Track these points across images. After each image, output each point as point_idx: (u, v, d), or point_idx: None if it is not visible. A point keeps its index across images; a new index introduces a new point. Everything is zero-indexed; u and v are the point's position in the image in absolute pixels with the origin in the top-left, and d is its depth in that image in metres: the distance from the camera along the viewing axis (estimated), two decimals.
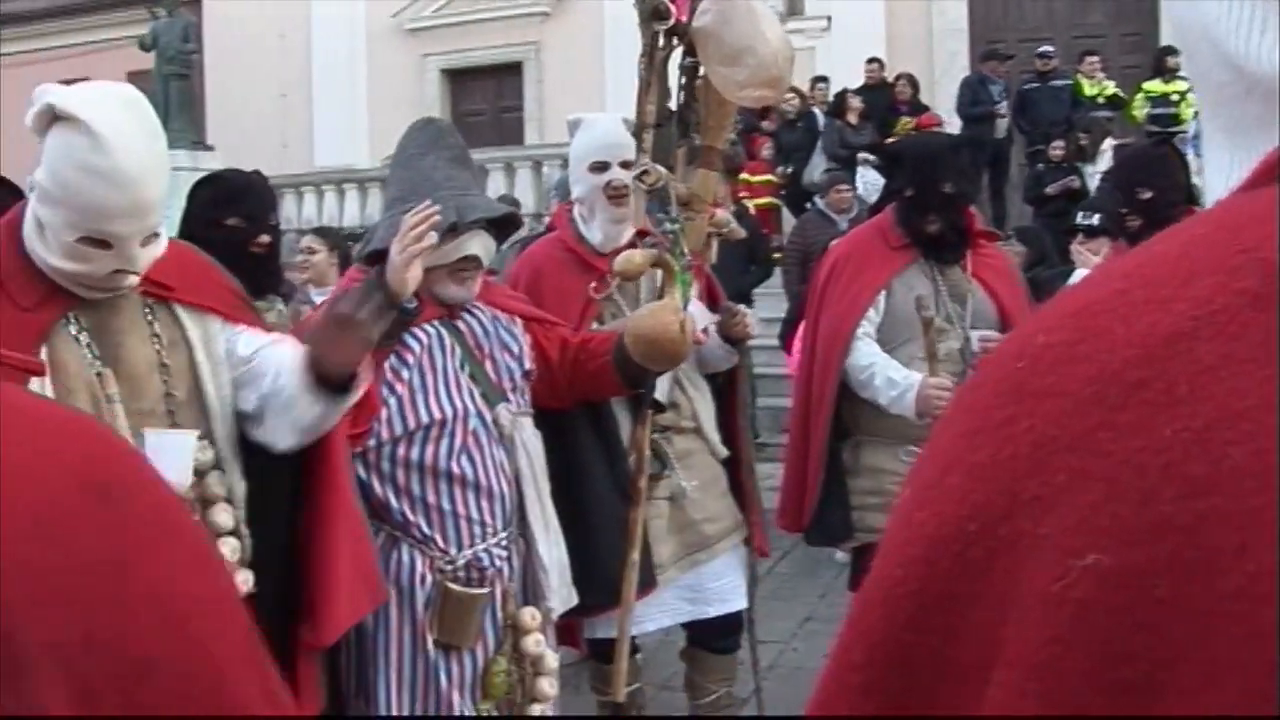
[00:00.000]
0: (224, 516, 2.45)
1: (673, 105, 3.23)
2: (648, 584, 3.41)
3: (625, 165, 3.48)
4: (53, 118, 2.12)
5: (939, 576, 0.49)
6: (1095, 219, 4.96)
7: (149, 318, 2.42)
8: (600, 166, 3.63)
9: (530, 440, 3.08)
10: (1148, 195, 4.63)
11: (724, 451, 3.92)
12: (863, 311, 3.98)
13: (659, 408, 3.55)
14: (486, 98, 19.57)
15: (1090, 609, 0.42)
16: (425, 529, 2.93)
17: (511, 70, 19.16)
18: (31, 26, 21.97)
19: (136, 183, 2.13)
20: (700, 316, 3.59)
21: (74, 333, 2.31)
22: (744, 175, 12.95)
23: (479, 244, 3.02)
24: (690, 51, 3.16)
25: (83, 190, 2.12)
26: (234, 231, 3.65)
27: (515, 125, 18.92)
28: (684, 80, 3.21)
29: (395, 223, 2.76)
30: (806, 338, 4.32)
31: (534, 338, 3.21)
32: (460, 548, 2.95)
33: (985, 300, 4.06)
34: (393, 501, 2.94)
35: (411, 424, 2.92)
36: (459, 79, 19.69)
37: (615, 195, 3.57)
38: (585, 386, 3.26)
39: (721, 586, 3.89)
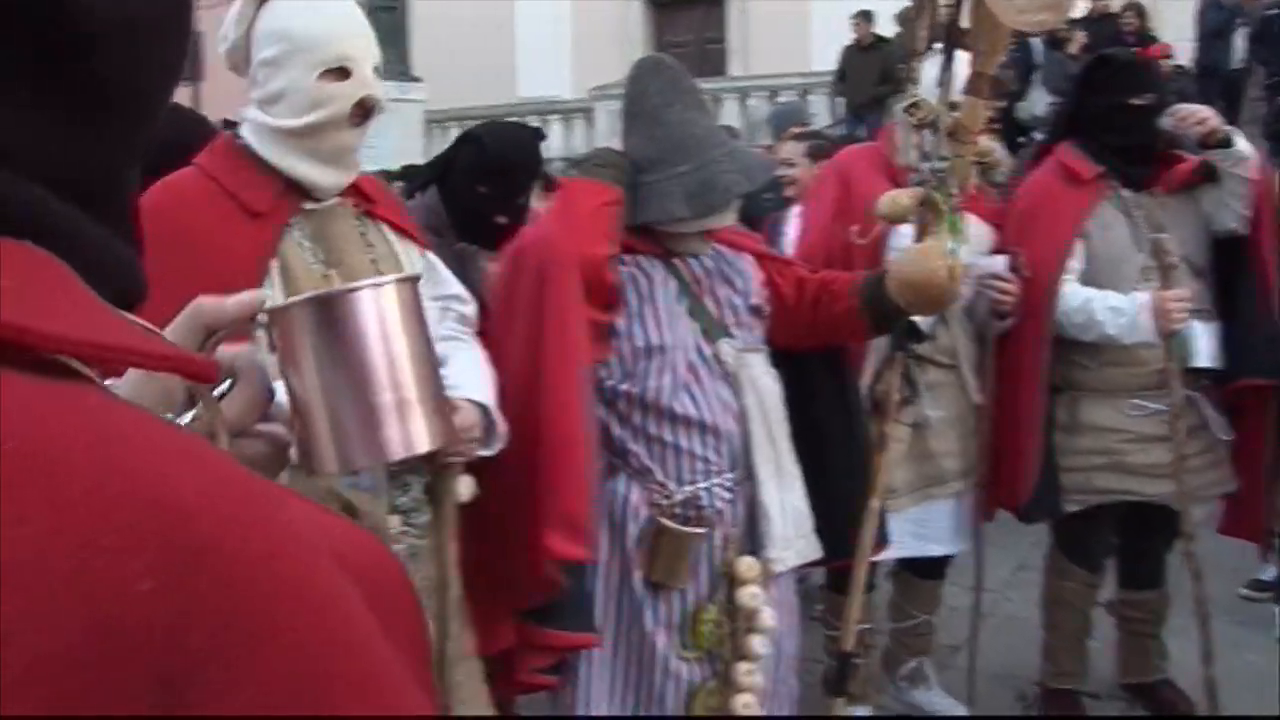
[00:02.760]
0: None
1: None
2: (882, 541, 3.24)
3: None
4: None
5: None
6: None
7: (361, 230, 2.46)
8: None
9: (760, 378, 2.90)
10: None
11: (978, 395, 3.83)
12: (1061, 265, 3.81)
13: (918, 336, 3.40)
14: (691, 28, 19.37)
15: None
16: (644, 459, 2.81)
17: (715, 1, 18.90)
18: None
19: (354, 9, 2.40)
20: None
21: (299, 238, 2.37)
22: None
23: (733, 213, 2.89)
24: None
25: (313, 24, 2.30)
26: (481, 199, 3.65)
27: (718, 56, 18.70)
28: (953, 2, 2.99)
29: (664, 192, 2.74)
30: None
31: (767, 275, 3.03)
32: (680, 483, 2.81)
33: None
34: (614, 428, 2.83)
35: (628, 354, 2.80)
36: (663, 10, 19.55)
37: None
38: (827, 329, 3.06)
39: (949, 526, 3.91)
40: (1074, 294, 3.80)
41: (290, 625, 0.40)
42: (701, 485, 2.82)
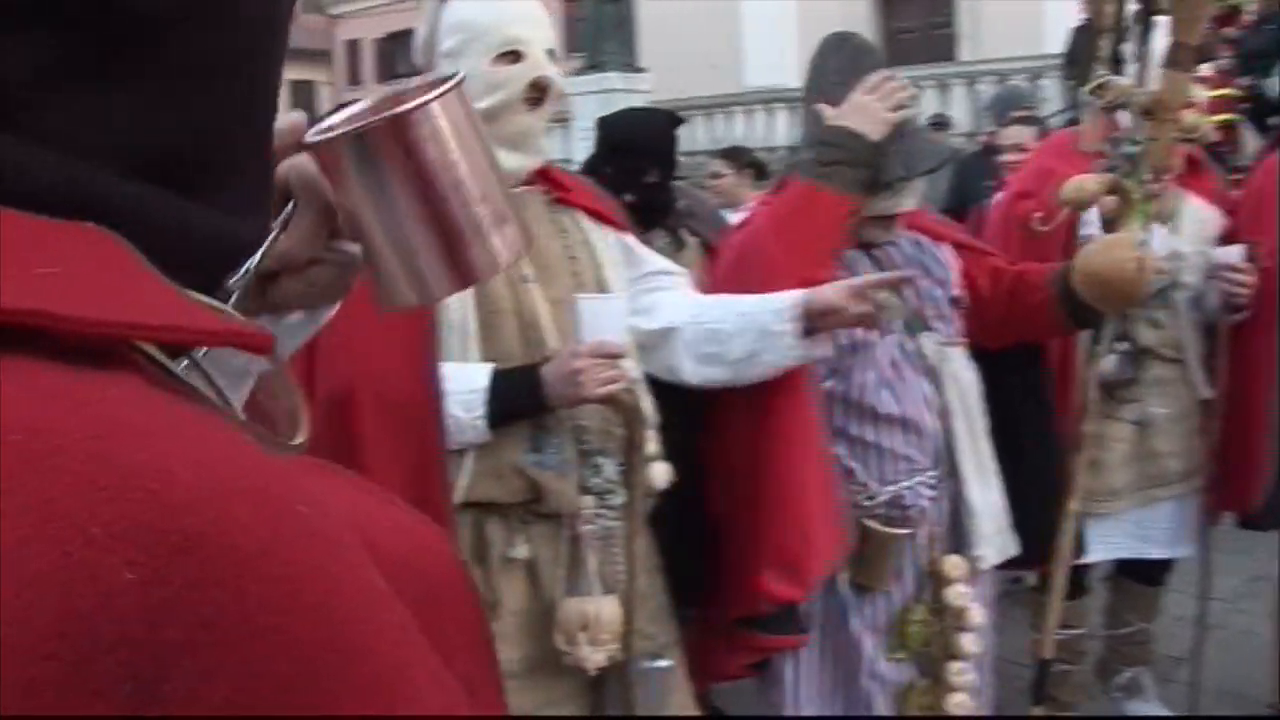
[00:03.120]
0: (651, 444, 2.43)
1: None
2: (1079, 548, 3.12)
3: None
4: None
5: None
6: None
7: (552, 215, 2.47)
8: None
9: (961, 372, 2.82)
10: None
11: (1207, 390, 3.62)
12: None
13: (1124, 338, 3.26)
14: (918, 14, 19.02)
15: None
16: (846, 460, 2.75)
17: None
18: None
19: None
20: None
21: None
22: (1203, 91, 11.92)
23: (914, 196, 2.81)
24: None
25: (489, 11, 2.36)
26: (608, 179, 3.62)
27: (947, 42, 18.30)
28: None
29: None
30: None
31: (964, 266, 2.93)
32: (882, 483, 2.75)
33: None
34: None
35: (832, 352, 2.73)
36: None
37: None
38: (1021, 323, 2.94)
39: (1172, 529, 3.73)
40: None
41: (279, 624, 0.38)
42: (905, 484, 2.75)
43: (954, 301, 2.87)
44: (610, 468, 2.37)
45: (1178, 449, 3.66)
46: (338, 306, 0.86)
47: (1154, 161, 2.79)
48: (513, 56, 2.34)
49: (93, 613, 0.36)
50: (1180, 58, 2.76)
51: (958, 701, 2.81)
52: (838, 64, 2.82)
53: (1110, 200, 2.84)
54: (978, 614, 2.82)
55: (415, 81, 0.91)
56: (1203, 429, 3.66)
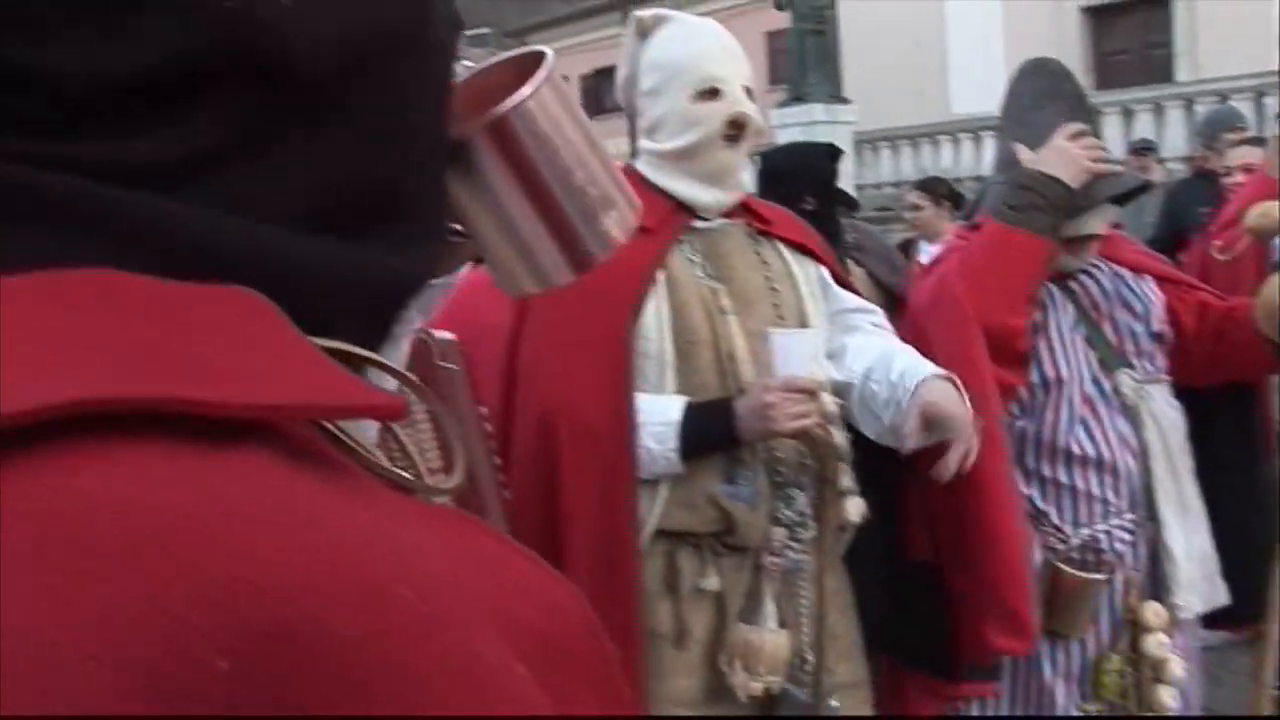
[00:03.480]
0: (845, 478, 2.42)
1: None
2: None
3: None
4: (651, 27, 2.47)
5: None
6: None
7: (755, 247, 2.49)
8: None
9: (1162, 411, 2.71)
10: None
11: None
12: None
13: None
14: (1132, 34, 18.45)
15: None
16: (1039, 502, 2.69)
17: (1158, 3, 17.91)
18: None
19: (722, 35, 2.49)
20: None
21: (688, 254, 2.42)
22: None
23: (1101, 219, 2.73)
24: None
25: (687, 50, 2.41)
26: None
27: (1164, 62, 17.70)
28: None
29: (1003, 192, 2.64)
30: None
31: (1168, 300, 2.83)
32: (1077, 526, 2.67)
33: None
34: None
35: (1024, 391, 2.68)
36: (1101, 16, 18.74)
37: None
38: (1229, 362, 2.80)
39: None
40: None
41: (368, 712, 0.38)
42: (1100, 528, 2.66)
43: (1156, 337, 2.77)
44: (802, 500, 2.37)
45: None
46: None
47: None
48: (711, 94, 2.38)
49: (186, 695, 0.37)
50: None
51: None
52: (1034, 90, 2.78)
53: None
54: (1178, 666, 2.69)
55: (497, 58, 0.88)
56: None
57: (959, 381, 2.36)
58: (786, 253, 2.54)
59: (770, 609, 2.33)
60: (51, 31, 0.47)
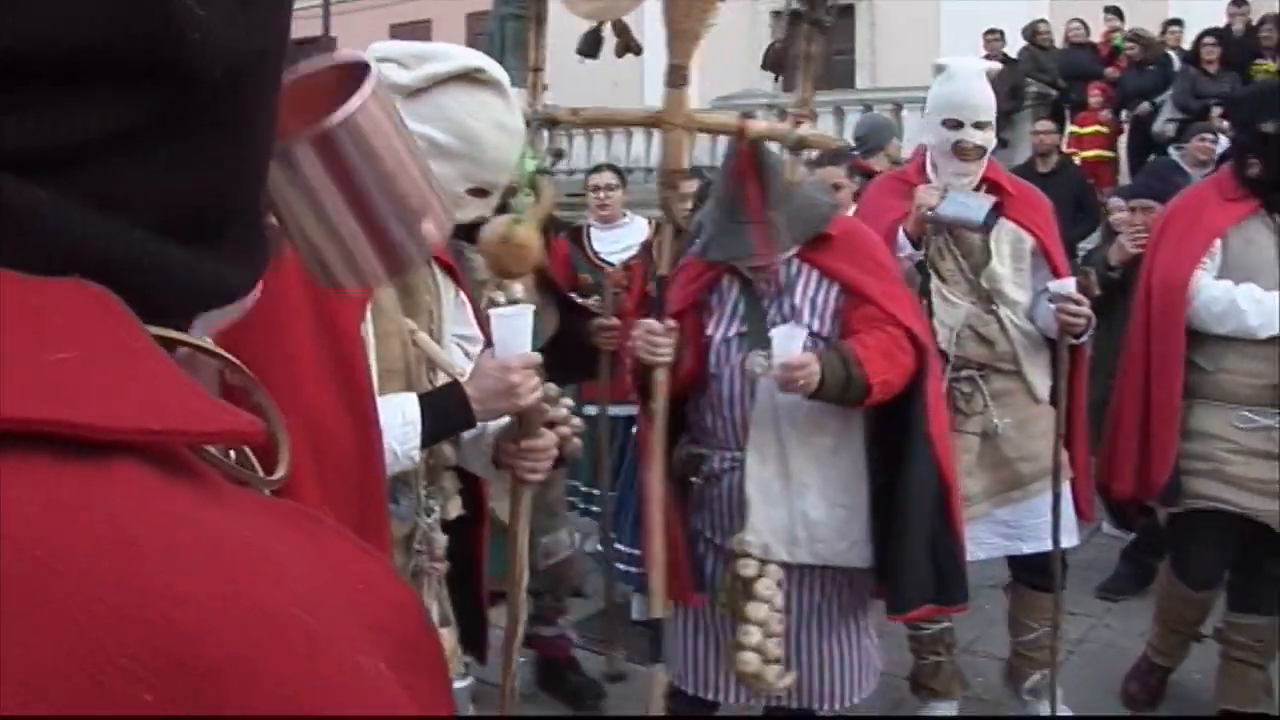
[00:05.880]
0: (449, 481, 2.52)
1: None
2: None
3: (979, 126, 3.70)
4: (456, 77, 2.21)
5: None
6: None
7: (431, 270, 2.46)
8: (953, 124, 3.76)
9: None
10: None
11: (1044, 394, 3.89)
12: (1198, 260, 3.83)
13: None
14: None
15: None
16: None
17: (844, 12, 18.85)
18: None
19: (521, 139, 2.35)
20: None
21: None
22: (1072, 128, 12.34)
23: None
24: None
25: (491, 145, 2.25)
26: None
27: (846, 68, 18.63)
28: None
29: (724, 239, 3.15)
30: (1140, 299, 4.09)
31: None
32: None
33: None
34: None
35: None
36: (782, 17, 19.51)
37: (962, 154, 3.76)
38: None
39: (1039, 525, 3.91)
40: (1213, 284, 3.81)
41: None
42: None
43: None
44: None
45: (1026, 454, 3.88)
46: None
47: None
48: (480, 194, 2.32)
49: None
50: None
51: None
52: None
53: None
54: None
55: (319, 63, 0.87)
56: (1048, 430, 3.88)
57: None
58: (439, 272, 2.48)
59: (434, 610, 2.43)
60: None
